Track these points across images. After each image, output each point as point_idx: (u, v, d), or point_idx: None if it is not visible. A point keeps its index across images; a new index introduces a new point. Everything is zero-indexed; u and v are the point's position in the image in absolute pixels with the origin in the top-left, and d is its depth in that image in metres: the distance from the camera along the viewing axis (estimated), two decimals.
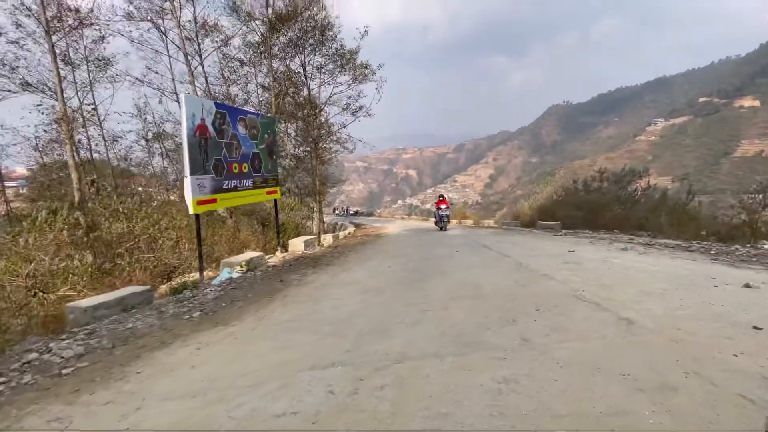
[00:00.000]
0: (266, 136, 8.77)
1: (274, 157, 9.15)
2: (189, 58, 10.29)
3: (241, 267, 6.79)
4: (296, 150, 20.97)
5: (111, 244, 6.99)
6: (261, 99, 17.43)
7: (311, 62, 17.33)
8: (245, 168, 7.95)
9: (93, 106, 11.00)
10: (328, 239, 11.44)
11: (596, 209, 12.82)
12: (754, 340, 2.54)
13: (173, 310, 4.51)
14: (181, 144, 6.67)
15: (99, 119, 11.09)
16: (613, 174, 14.50)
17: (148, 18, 10.58)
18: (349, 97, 19.55)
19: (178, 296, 5.23)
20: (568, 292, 3.92)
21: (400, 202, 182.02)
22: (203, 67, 11.27)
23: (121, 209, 7.48)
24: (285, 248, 9.52)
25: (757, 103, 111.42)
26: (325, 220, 37.96)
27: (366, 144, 22.93)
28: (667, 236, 9.17)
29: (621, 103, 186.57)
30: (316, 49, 16.97)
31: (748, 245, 7.01)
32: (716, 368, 2.19)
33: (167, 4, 10.76)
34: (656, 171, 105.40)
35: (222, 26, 12.06)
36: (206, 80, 11.67)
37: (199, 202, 6.63)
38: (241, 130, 7.84)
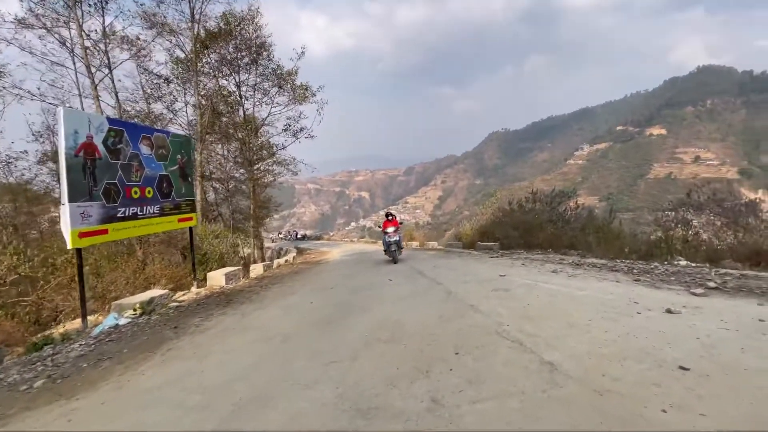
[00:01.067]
0: (179, 156, 7.83)
1: (190, 179, 8.19)
2: (93, 70, 9.09)
3: (135, 310, 5.73)
4: (234, 172, 19.75)
5: None
6: (191, 119, 16.20)
7: (246, 81, 16.57)
8: (149, 192, 6.93)
9: None
10: (258, 269, 10.44)
11: (530, 229, 13.14)
12: (682, 384, 2.24)
13: (15, 376, 3.49)
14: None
15: None
16: (544, 195, 15.12)
17: (46, 27, 9.28)
18: (289, 118, 18.96)
19: (34, 355, 4.14)
20: (492, 327, 3.52)
21: (353, 224, 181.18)
22: (113, 81, 10.08)
23: None
24: (203, 282, 8.45)
25: (664, 131, 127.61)
26: (270, 245, 36.24)
27: (308, 165, 22.27)
28: (596, 255, 9.44)
29: (552, 130, 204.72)
30: (251, 69, 16.29)
31: (666, 263, 7.29)
32: None
33: (71, 12, 9.56)
34: (585, 191, 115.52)
35: (137, 39, 10.96)
36: (116, 96, 10.42)
37: (83, 234, 5.55)
38: (145, 150, 6.88)
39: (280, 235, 45.88)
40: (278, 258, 18.07)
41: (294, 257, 15.75)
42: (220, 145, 18.61)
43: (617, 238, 10.47)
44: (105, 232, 6.01)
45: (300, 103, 18.15)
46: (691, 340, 2.89)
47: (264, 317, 4.75)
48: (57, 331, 5.58)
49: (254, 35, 15.13)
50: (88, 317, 5.82)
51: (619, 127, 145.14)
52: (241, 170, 18.61)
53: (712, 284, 4.63)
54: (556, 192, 14.95)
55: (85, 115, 5.81)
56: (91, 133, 5.76)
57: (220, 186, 17.65)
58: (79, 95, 9.76)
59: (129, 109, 11.48)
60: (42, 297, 6.68)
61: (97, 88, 9.27)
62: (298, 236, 43.24)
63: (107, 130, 6.07)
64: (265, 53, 16.35)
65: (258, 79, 16.50)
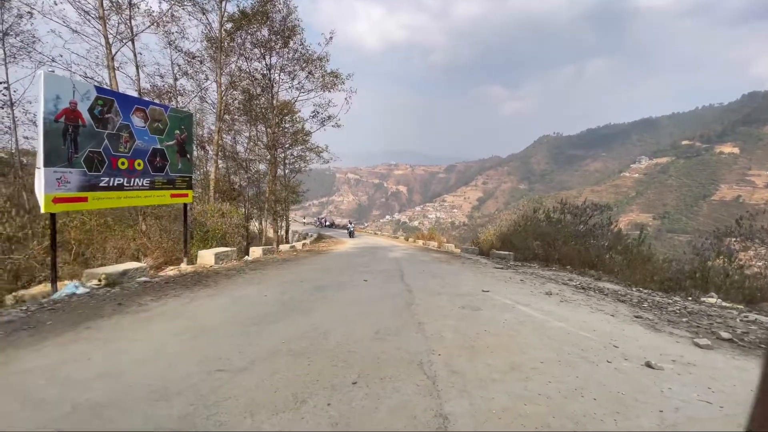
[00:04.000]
0: (177, 132, 7.79)
1: (188, 156, 8.15)
2: (111, 40, 9.32)
3: (99, 281, 5.71)
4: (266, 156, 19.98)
5: None
6: (227, 97, 16.47)
7: (276, 65, 16.55)
8: (139, 165, 6.91)
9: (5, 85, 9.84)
10: (257, 252, 10.36)
11: (552, 242, 12.08)
12: None
13: None
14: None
15: (11, 101, 9.88)
16: (575, 207, 13.84)
17: None
18: (317, 105, 18.85)
19: None
20: (420, 356, 2.97)
21: (388, 217, 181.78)
22: (134, 54, 10.32)
23: None
24: (195, 260, 8.45)
25: (736, 150, 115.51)
26: (298, 229, 36.93)
27: (337, 156, 22.19)
28: (615, 278, 8.39)
29: (609, 138, 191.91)
30: (282, 52, 16.23)
31: (690, 298, 6.23)
32: None
33: None
34: (638, 207, 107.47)
35: (164, 13, 11.12)
36: (137, 69, 10.67)
37: (58, 200, 5.57)
38: (138, 121, 6.85)
39: (304, 221, 46.62)
40: (292, 242, 18.17)
41: (304, 244, 15.69)
42: (249, 127, 18.87)
43: (646, 263, 9.27)
44: (84, 199, 6.02)
45: (329, 90, 17.96)
46: (651, 413, 2.19)
47: (205, 307, 4.47)
48: (29, 292, 5.68)
49: (286, 15, 14.96)
50: (68, 282, 5.87)
51: (684, 142, 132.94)
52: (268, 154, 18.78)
53: (725, 334, 3.73)
54: (588, 204, 13.61)
55: (68, 81, 5.79)
56: (75, 99, 5.75)
57: (242, 167, 17.89)
58: (109, 67, 10.06)
59: (154, 83, 11.75)
60: (31, 257, 6.93)
61: (117, 59, 9.51)
62: (326, 224, 43.67)
63: (95, 98, 6.05)
64: (297, 37, 16.25)
65: (287, 63, 16.42)
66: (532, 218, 14.36)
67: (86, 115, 5.94)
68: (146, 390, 2.40)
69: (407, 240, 24.59)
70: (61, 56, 9.67)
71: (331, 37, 15.83)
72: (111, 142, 6.36)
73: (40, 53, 10.12)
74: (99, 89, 6.26)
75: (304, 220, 47.99)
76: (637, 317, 4.51)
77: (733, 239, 8.80)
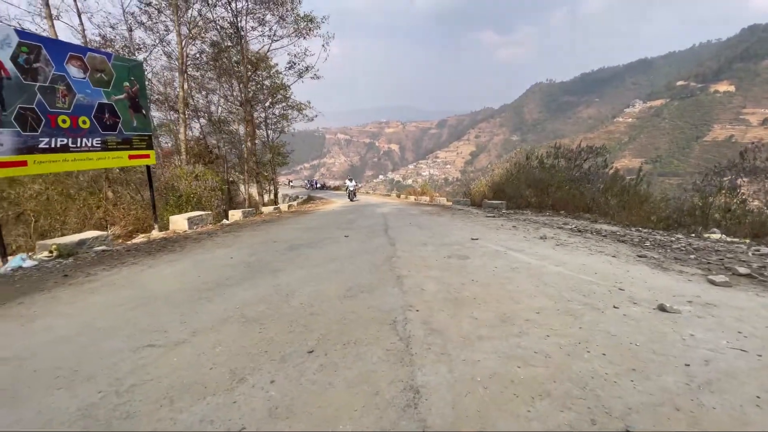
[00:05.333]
0: (126, 84, 6.90)
1: (143, 112, 7.31)
2: None
3: (50, 252, 5.16)
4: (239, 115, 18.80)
5: None
6: (191, 52, 15.04)
7: (244, 10, 14.99)
8: (84, 122, 6.13)
9: None
10: (237, 215, 9.80)
11: (545, 188, 11.61)
12: None
13: None
14: None
15: None
16: (569, 151, 13.23)
17: None
18: (292, 55, 17.46)
19: None
20: (394, 313, 2.52)
21: (381, 176, 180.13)
22: (75, 1, 9.04)
23: None
24: (165, 226, 7.89)
25: (732, 88, 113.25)
26: (288, 192, 36.26)
27: (314, 110, 21.10)
28: (610, 220, 8.00)
29: (603, 83, 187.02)
30: None
31: (693, 235, 5.85)
32: None
33: None
34: (630, 153, 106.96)
35: None
36: (80, 17, 9.41)
37: None
38: (75, 72, 5.97)
39: (291, 184, 45.76)
40: (279, 204, 17.57)
41: (290, 206, 15.11)
42: (221, 84, 17.53)
43: (643, 203, 8.86)
44: (23, 164, 5.32)
45: (304, 37, 16.51)
46: (675, 369, 1.77)
47: (161, 274, 3.97)
48: None
49: None
50: (23, 254, 5.30)
51: (679, 83, 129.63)
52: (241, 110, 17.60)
53: (742, 269, 3.33)
54: (582, 148, 13.00)
55: None
56: None
57: (217, 127, 16.80)
58: (45, 15, 8.82)
59: (104, 34, 10.48)
60: None
61: (55, 6, 8.26)
62: (317, 186, 42.84)
63: (17, 45, 5.16)
64: None
65: (256, 7, 14.88)
66: (524, 165, 13.78)
67: (9, 65, 5.08)
68: (52, 375, 1.92)
69: (399, 197, 24.09)
70: None
71: None
72: (45, 96, 5.54)
73: None
74: (20, 33, 5.35)
75: (291, 184, 47.04)
76: (641, 257, 4.10)
77: (734, 175, 8.34)
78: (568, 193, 10.83)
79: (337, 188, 41.74)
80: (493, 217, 8.18)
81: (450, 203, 16.07)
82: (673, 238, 5.35)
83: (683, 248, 4.58)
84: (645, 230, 6.37)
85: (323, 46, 16.14)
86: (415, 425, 1.41)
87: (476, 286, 3.05)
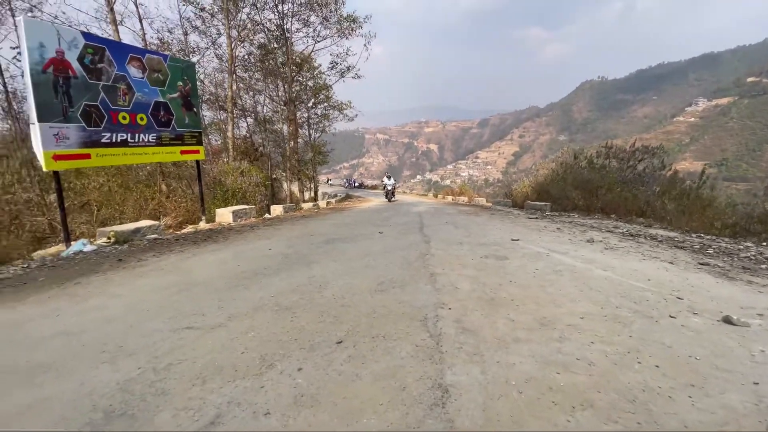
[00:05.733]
0: (180, 83, 7.32)
1: (195, 110, 7.73)
2: None
3: (108, 239, 5.58)
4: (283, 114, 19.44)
5: None
6: (240, 53, 15.75)
7: (290, 12, 15.46)
8: (142, 119, 6.58)
9: None
10: (278, 210, 10.13)
11: (594, 190, 10.92)
12: None
13: None
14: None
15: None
16: (622, 150, 12.37)
17: None
18: (335, 55, 17.75)
19: None
20: (425, 310, 2.44)
21: (419, 176, 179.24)
22: (137, 6, 9.77)
23: None
24: (212, 218, 8.31)
25: None
26: (327, 190, 37.17)
27: (355, 110, 21.33)
28: (667, 226, 7.36)
29: (662, 80, 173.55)
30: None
31: (765, 244, 5.23)
32: None
33: None
34: (692, 155, 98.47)
35: None
36: (141, 22, 10.15)
37: (58, 157, 5.36)
38: (135, 72, 6.42)
39: (330, 182, 46.64)
40: (318, 201, 17.97)
41: (329, 203, 15.39)
42: (266, 85, 18.20)
43: (706, 208, 8.08)
44: (87, 156, 5.80)
45: (346, 37, 16.74)
46: (741, 386, 1.55)
47: (203, 261, 4.16)
48: (47, 251, 5.67)
49: None
50: (84, 239, 5.80)
51: (750, 79, 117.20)
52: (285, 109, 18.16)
53: None
54: (637, 147, 12.10)
55: (52, 28, 5.36)
56: (62, 48, 5.34)
57: (261, 126, 17.46)
58: (109, 20, 9.61)
59: (162, 37, 11.24)
60: (51, 218, 6.99)
61: (118, 12, 9.00)
62: (355, 185, 43.39)
63: (83, 47, 5.63)
64: None
65: (300, 10, 15.29)
66: (572, 166, 13.07)
67: (76, 65, 5.55)
68: (98, 350, 2.05)
69: (436, 197, 23.80)
70: (64, 13, 9.28)
71: None
72: (108, 94, 6.00)
73: (47, 14, 9.82)
74: (87, 35, 5.82)
75: (330, 182, 48.02)
76: (702, 264, 3.71)
77: None
78: (620, 196, 10.12)
79: (374, 187, 42.03)
80: (536, 218, 7.82)
81: (489, 204, 15.62)
82: (741, 246, 4.81)
83: (753, 257, 4.10)
84: (707, 237, 5.79)
85: (365, 45, 16.28)
86: (442, 425, 1.34)
87: (514, 288, 2.90)
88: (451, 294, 2.74)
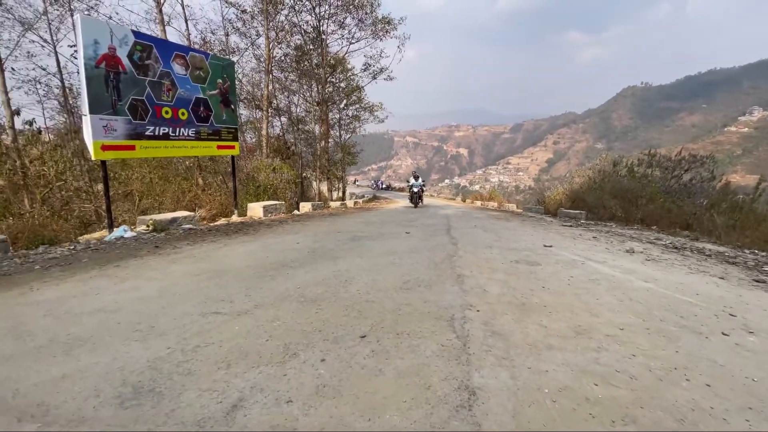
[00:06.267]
0: (219, 81, 7.59)
1: (232, 107, 7.99)
2: None
3: (147, 227, 5.85)
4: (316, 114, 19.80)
5: (27, 187, 6.33)
6: (275, 54, 16.19)
7: (326, 14, 15.73)
8: (183, 114, 6.86)
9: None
10: (307, 206, 10.29)
11: (634, 199, 10.36)
12: None
13: None
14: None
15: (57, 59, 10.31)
16: (666, 159, 11.68)
17: None
18: (371, 57, 17.89)
19: (31, 252, 4.37)
20: (452, 309, 2.37)
21: (447, 181, 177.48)
22: (183, 8, 10.26)
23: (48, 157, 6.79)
24: (243, 212, 8.55)
25: None
26: (354, 191, 37.57)
27: (385, 111, 21.39)
28: (716, 240, 6.85)
29: (712, 87, 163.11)
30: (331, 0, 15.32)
31: None
32: None
33: None
34: (744, 167, 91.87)
35: None
36: (186, 23, 10.65)
37: (106, 147, 5.68)
38: (178, 69, 6.71)
39: (356, 183, 47.04)
40: (344, 201, 18.14)
41: (356, 202, 15.49)
42: (301, 85, 18.60)
43: (761, 223, 7.46)
44: (132, 148, 6.10)
45: (380, 39, 16.84)
46: None
47: (234, 252, 4.26)
48: (92, 236, 6.02)
49: None
50: (125, 226, 6.11)
51: None
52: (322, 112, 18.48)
53: None
54: (683, 156, 11.39)
55: (105, 26, 5.69)
56: (114, 44, 5.66)
57: (294, 124, 17.85)
58: (158, 21, 10.15)
59: (205, 37, 11.75)
60: (97, 206, 7.42)
61: (166, 13, 9.49)
62: (383, 186, 43.53)
63: (133, 44, 5.94)
64: None
65: (336, 12, 15.52)
66: (610, 174, 12.48)
67: (126, 62, 5.87)
68: (131, 328, 2.13)
69: (464, 201, 23.45)
70: (118, 14, 9.87)
71: None
72: (153, 90, 6.31)
73: (102, 14, 10.48)
74: (137, 34, 6.13)
75: (357, 183, 48.42)
76: (758, 281, 3.40)
77: None
78: (663, 207, 9.56)
79: (402, 189, 41.97)
80: (570, 226, 7.51)
81: (520, 210, 15.19)
82: None
83: None
84: (762, 254, 5.33)
85: (398, 47, 16.33)
86: (468, 427, 1.27)
87: (547, 294, 2.76)
88: (480, 296, 2.65)
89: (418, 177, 13.87)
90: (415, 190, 13.41)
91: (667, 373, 1.66)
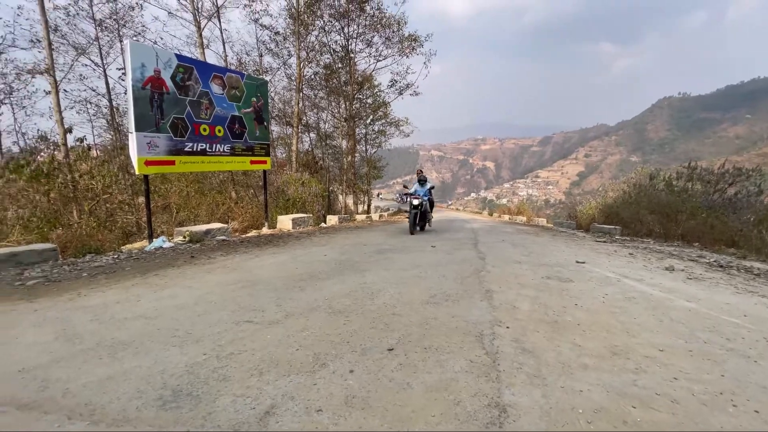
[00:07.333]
0: (254, 99, 7.95)
1: (265, 124, 8.33)
2: (199, 16, 9.90)
3: (184, 237, 6.12)
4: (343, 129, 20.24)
5: (76, 199, 6.82)
6: (307, 73, 16.80)
7: (354, 33, 16.22)
8: (219, 131, 7.22)
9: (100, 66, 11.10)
10: (333, 219, 10.46)
11: (674, 214, 9.86)
12: None
13: (33, 272, 3.86)
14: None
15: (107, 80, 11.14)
16: (708, 172, 11.08)
17: None
18: (395, 73, 18.19)
19: (78, 259, 4.68)
20: (481, 325, 2.34)
21: (473, 194, 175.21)
22: (221, 32, 10.90)
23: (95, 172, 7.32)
24: (273, 224, 8.80)
25: None
26: (379, 204, 37.75)
27: (411, 126, 21.58)
28: (766, 258, 6.39)
29: (756, 96, 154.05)
30: (358, 18, 15.79)
31: None
32: None
33: None
34: None
35: None
36: (224, 45, 11.28)
37: (149, 162, 6.04)
38: (216, 89, 7.10)
39: (380, 197, 47.24)
40: (370, 213, 18.27)
41: (381, 216, 15.58)
42: (329, 101, 19.13)
43: None
44: (172, 163, 6.47)
45: (407, 56, 17.13)
46: None
47: (264, 263, 4.39)
48: (133, 246, 6.37)
49: None
50: (164, 237, 6.43)
51: None
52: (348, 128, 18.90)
53: None
54: (726, 169, 10.78)
55: (152, 50, 6.13)
56: (159, 67, 6.08)
57: (323, 140, 18.31)
58: (198, 44, 10.83)
59: (241, 59, 12.40)
60: (139, 217, 7.86)
61: (205, 37, 10.12)
62: (407, 200, 43.49)
63: (176, 66, 6.35)
64: (374, 2, 15.64)
65: (364, 31, 15.97)
66: (647, 187, 11.97)
67: (169, 83, 6.28)
68: (170, 334, 2.23)
69: (491, 215, 23.07)
70: (162, 39, 10.61)
71: None
72: (193, 108, 6.69)
73: (147, 39, 11.31)
74: (179, 57, 6.56)
75: (380, 196, 48.64)
76: None
77: None
78: (705, 222, 9.04)
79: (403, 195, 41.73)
80: (604, 242, 7.23)
81: (550, 225, 14.77)
82: None
83: None
84: None
85: (425, 63, 16.51)
86: None
87: (580, 312, 2.67)
88: (509, 313, 2.60)
89: (424, 180, 8.27)
90: (416, 202, 7.59)
91: (712, 398, 1.57)
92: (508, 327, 2.32)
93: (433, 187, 8.30)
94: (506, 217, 19.68)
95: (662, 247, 7.02)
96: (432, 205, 8.59)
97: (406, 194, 8.32)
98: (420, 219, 7.85)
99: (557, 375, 1.74)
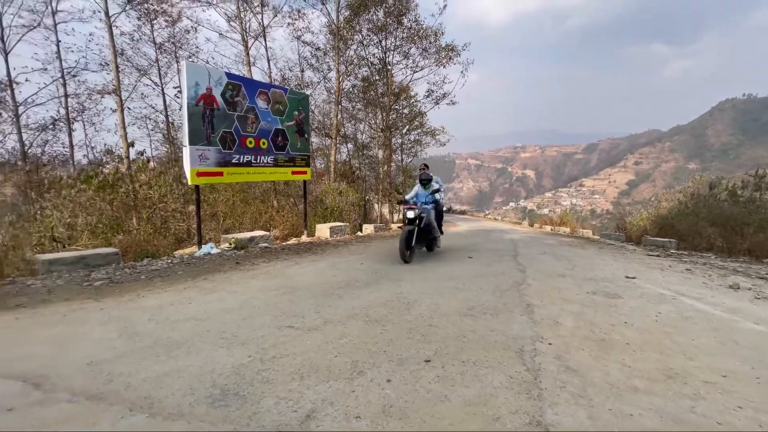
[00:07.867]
0: (296, 113, 8.30)
1: (306, 136, 8.66)
2: (246, 36, 10.55)
3: (230, 244, 6.46)
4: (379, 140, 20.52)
5: (135, 207, 7.42)
6: (346, 86, 17.32)
7: (392, 46, 16.51)
8: (263, 144, 7.59)
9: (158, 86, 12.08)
10: (369, 228, 10.59)
11: (739, 227, 9.02)
12: None
13: (101, 274, 4.24)
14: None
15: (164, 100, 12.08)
16: None
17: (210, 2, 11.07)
18: (432, 83, 18.25)
19: (138, 263, 5.08)
20: (521, 340, 2.27)
21: (512, 203, 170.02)
22: (266, 49, 11.53)
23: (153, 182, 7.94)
24: (312, 232, 9.05)
25: None
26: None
27: (447, 135, 21.52)
28: None
29: None
30: (396, 31, 16.07)
31: None
32: None
33: None
34: None
35: (294, 12, 12.11)
36: (269, 63, 11.90)
37: (200, 174, 6.47)
38: (261, 104, 7.50)
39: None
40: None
41: None
42: (366, 113, 19.51)
43: None
44: (220, 174, 6.88)
45: (444, 66, 17.14)
46: None
47: (304, 270, 4.53)
48: (184, 251, 6.80)
49: None
50: (212, 243, 6.83)
51: None
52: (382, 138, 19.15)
53: None
54: None
55: (204, 69, 6.60)
56: (211, 85, 6.53)
57: (360, 150, 18.65)
58: (245, 62, 11.53)
59: (284, 75, 13.03)
60: (189, 225, 8.39)
61: (252, 55, 10.77)
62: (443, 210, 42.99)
63: (226, 84, 6.79)
64: (411, 14, 15.87)
65: (402, 43, 16.21)
66: (707, 197, 11.06)
67: (219, 99, 6.72)
68: (218, 336, 2.37)
69: (531, 225, 22.26)
70: (213, 58, 11.40)
71: (445, 6, 14.93)
72: (240, 123, 7.10)
73: (200, 59, 12.21)
74: (229, 75, 7.01)
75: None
76: None
77: None
78: None
79: (463, 212, 41.10)
80: (657, 256, 6.75)
81: (597, 237, 14.00)
82: None
83: None
84: None
85: (462, 72, 16.42)
86: None
87: (630, 331, 2.52)
88: (551, 329, 2.50)
89: (428, 180, 5.91)
90: (411, 215, 5.20)
91: None
92: (550, 343, 2.24)
93: (440, 190, 5.92)
94: (548, 228, 18.89)
95: (725, 262, 6.44)
96: (441, 217, 6.19)
97: (400, 202, 6.31)
98: (418, 239, 5.13)
99: (605, 396, 1.65)
